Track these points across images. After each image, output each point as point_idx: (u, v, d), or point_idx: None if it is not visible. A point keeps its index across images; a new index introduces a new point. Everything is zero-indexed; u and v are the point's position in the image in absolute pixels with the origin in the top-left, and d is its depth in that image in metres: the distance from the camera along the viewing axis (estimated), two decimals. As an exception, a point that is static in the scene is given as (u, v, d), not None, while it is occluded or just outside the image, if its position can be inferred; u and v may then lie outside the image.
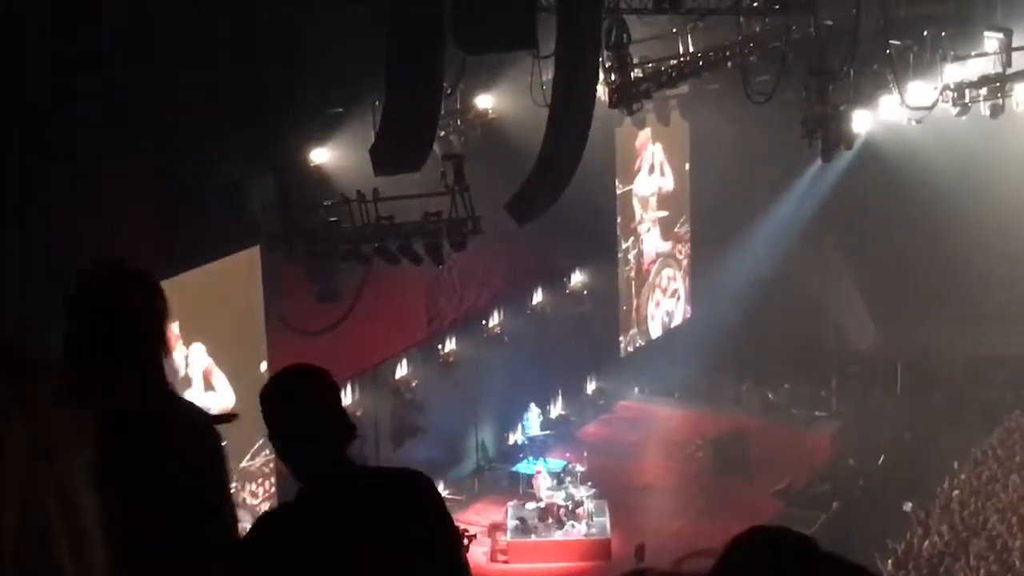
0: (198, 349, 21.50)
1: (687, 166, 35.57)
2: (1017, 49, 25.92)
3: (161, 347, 3.90)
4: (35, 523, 1.49)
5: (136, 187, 18.22)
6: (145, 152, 18.21)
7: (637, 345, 34.92)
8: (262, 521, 4.27)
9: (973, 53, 26.74)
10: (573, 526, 26.50)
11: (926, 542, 25.85)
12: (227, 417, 4.07)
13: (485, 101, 25.06)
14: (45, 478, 1.50)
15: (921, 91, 26.20)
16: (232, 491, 4.10)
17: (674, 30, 25.38)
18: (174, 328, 21.11)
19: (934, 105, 26.04)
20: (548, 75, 20.91)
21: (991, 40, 26.20)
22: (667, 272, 36.13)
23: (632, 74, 22.45)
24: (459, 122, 23.73)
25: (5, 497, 1.46)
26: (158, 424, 3.85)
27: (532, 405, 30.52)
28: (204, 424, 4.01)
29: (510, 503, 27.38)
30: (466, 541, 24.59)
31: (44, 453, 1.51)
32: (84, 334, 3.79)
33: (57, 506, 1.51)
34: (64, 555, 1.51)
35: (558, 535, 26.39)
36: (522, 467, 28.82)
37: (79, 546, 1.53)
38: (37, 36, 16.21)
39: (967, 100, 26.26)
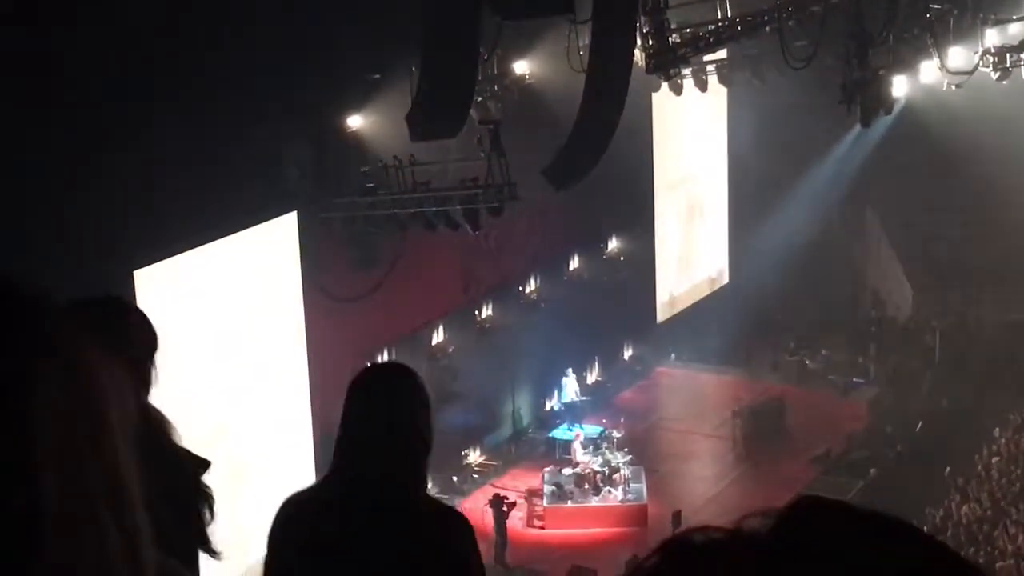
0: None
1: (725, 131, 35.45)
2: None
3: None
4: (78, 496, 1.46)
5: (174, 154, 18.26)
6: (182, 119, 18.24)
7: (675, 308, 34.86)
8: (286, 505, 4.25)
9: (1014, 16, 26.52)
10: (610, 492, 26.53)
11: (964, 508, 25.77)
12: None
13: (522, 67, 24.99)
14: (86, 447, 1.47)
15: (961, 55, 26.00)
16: None
17: (712, -6, 25.24)
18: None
19: (974, 69, 25.86)
20: (585, 40, 20.83)
21: (1033, 3, 26.00)
22: (705, 235, 36.01)
23: (669, 39, 22.32)
24: (496, 88, 23.66)
25: (45, 464, 1.44)
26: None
27: (570, 371, 30.54)
28: None
29: (546, 469, 27.43)
30: (505, 508, 24.71)
31: (86, 420, 1.48)
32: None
33: (101, 477, 1.47)
34: (111, 529, 1.48)
35: (594, 501, 26.43)
36: (558, 433, 28.86)
37: (124, 520, 1.50)
38: (72, 5, 16.28)
39: (1008, 64, 26.07)
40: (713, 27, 24.42)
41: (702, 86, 30.28)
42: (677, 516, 24.37)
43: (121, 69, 17.16)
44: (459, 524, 4.22)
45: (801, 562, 1.17)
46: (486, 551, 24.94)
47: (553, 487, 26.62)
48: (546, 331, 28.53)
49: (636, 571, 1.23)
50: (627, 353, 34.00)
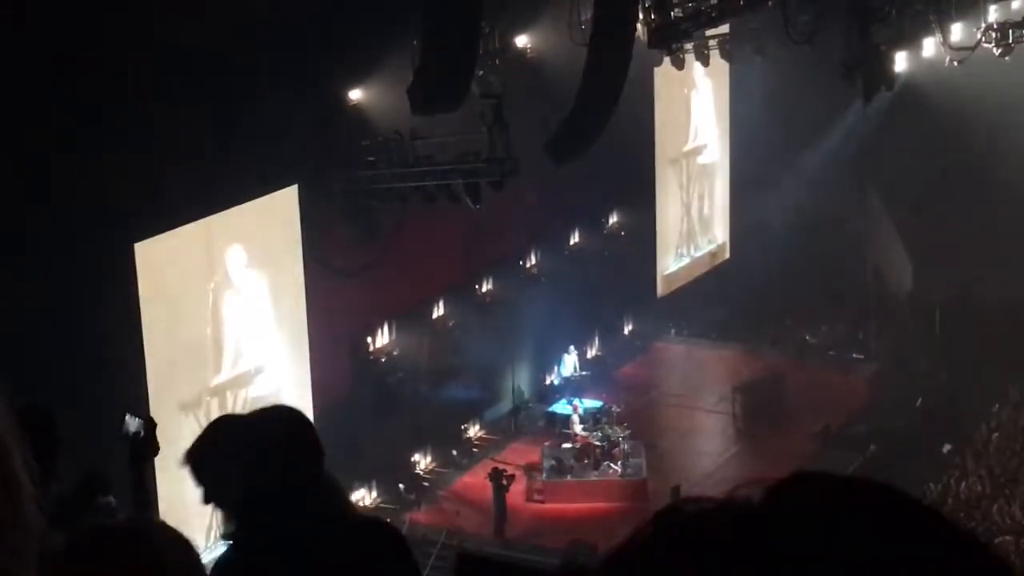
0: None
1: (727, 107, 35.38)
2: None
3: None
4: None
5: (175, 126, 18.25)
6: (184, 91, 18.23)
7: (676, 283, 34.85)
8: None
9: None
10: (609, 467, 26.55)
11: (963, 484, 25.82)
12: None
13: (524, 40, 24.94)
14: None
15: (963, 31, 25.95)
16: None
17: (714, -31, 25.17)
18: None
19: (976, 45, 25.78)
20: (587, 14, 20.80)
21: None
22: (705, 210, 35.98)
23: (671, 13, 22.28)
24: (497, 61, 23.62)
25: None
26: None
27: (572, 348, 30.55)
28: None
29: (546, 443, 27.44)
30: (504, 482, 24.76)
31: None
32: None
33: None
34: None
35: (594, 476, 26.45)
36: (558, 408, 28.86)
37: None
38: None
39: (1010, 40, 25.99)
40: (715, 2, 24.37)
41: (704, 61, 30.22)
42: (676, 491, 24.37)
43: (122, 42, 17.13)
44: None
45: (790, 531, 1.19)
46: (486, 525, 25.06)
47: (553, 461, 26.64)
48: (546, 305, 28.53)
49: (630, 541, 1.25)
50: (627, 328, 33.99)
